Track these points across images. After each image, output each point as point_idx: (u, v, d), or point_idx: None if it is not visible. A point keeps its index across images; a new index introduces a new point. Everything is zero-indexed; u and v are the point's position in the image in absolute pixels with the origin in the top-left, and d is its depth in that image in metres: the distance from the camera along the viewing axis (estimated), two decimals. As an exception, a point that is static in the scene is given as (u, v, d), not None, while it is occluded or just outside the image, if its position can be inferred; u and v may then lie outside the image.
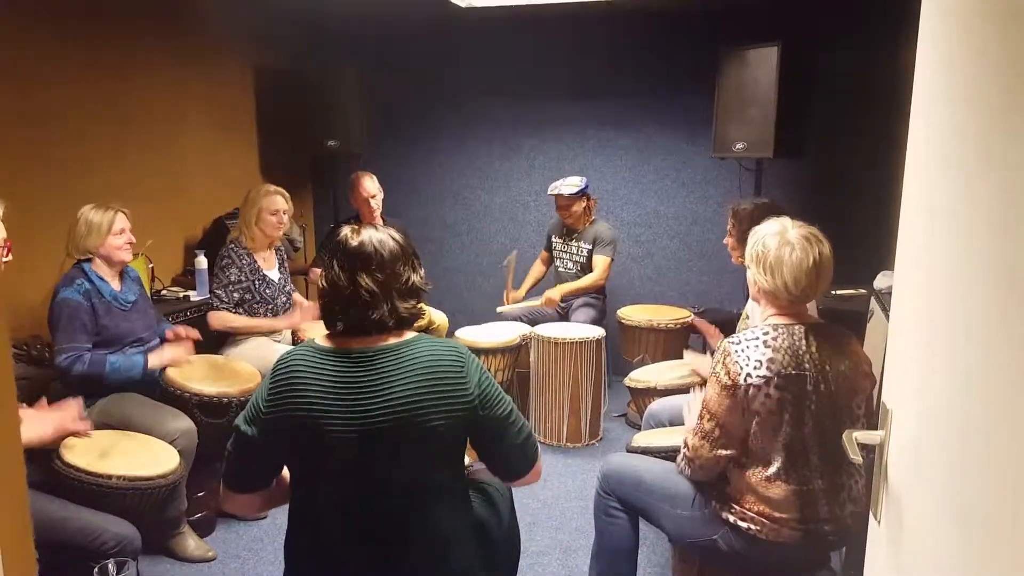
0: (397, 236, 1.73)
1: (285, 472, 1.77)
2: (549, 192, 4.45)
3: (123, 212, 3.00)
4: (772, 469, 1.91)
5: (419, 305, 1.74)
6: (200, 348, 3.27)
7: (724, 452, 1.97)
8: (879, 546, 1.28)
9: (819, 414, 1.89)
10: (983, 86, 0.95)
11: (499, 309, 4.54)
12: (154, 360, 2.97)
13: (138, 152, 3.92)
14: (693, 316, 4.18)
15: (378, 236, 1.70)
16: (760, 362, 1.89)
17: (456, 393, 1.62)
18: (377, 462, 1.61)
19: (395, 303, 1.67)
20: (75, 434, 2.51)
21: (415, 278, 1.73)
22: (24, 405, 2.46)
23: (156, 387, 3.01)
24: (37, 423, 2.36)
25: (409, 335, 1.70)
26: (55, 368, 2.80)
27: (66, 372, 2.76)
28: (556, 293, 4.40)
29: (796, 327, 1.95)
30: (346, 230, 1.73)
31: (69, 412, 2.49)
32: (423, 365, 1.62)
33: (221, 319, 3.43)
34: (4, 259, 2.27)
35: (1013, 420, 0.82)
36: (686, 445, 2.08)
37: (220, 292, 3.45)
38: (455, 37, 5.06)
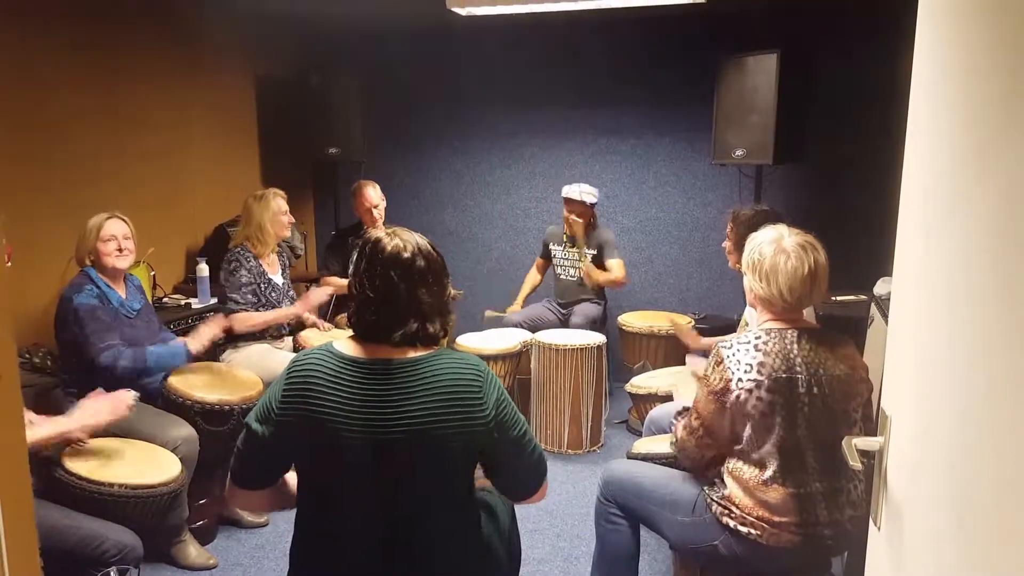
0: (433, 246, 1.73)
1: (292, 478, 1.77)
2: (565, 194, 4.41)
3: (120, 219, 2.99)
4: (768, 472, 1.92)
5: (452, 319, 1.75)
6: (202, 353, 3.28)
7: (708, 451, 2.06)
8: (879, 552, 1.28)
9: (813, 417, 1.90)
10: (979, 93, 0.96)
11: (505, 314, 4.57)
12: (194, 344, 3.02)
13: (140, 160, 3.93)
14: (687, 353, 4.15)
15: (423, 246, 1.69)
16: (751, 366, 1.91)
17: (473, 412, 1.60)
18: (388, 474, 1.61)
19: (444, 316, 1.69)
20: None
21: (452, 290, 1.75)
22: (27, 410, 2.46)
23: (158, 395, 3.02)
24: (91, 412, 2.39)
25: (430, 349, 1.67)
26: (98, 370, 2.77)
27: (111, 369, 2.77)
28: (595, 275, 4.35)
29: (789, 331, 1.97)
30: (390, 239, 1.67)
31: (121, 397, 2.47)
32: (442, 382, 1.60)
33: (243, 320, 3.44)
34: (7, 263, 2.28)
35: (1012, 426, 0.83)
36: (675, 433, 2.17)
37: (235, 295, 3.46)
38: (455, 45, 5.08)
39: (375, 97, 4.92)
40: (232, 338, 3.51)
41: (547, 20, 4.47)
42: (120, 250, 2.97)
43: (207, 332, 3.09)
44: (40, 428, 2.24)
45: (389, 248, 1.66)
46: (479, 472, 1.82)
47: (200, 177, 4.38)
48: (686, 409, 2.17)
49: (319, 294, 3.71)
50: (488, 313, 4.67)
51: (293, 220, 3.66)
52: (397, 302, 1.63)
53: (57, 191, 3.41)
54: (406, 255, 1.65)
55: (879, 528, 1.26)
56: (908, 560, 1.13)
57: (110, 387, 2.61)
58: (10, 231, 2.48)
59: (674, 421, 2.21)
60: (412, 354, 1.64)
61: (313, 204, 5.60)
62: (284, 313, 3.56)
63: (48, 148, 3.40)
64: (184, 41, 4.22)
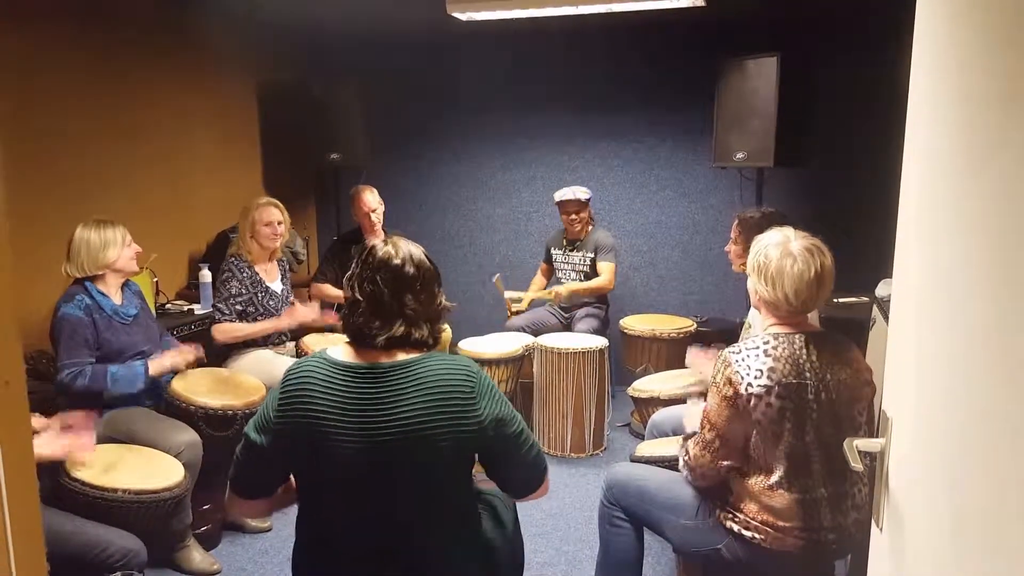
0: (428, 255, 1.76)
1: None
2: (559, 198, 4.47)
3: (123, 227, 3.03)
4: (774, 477, 1.92)
5: (443, 327, 1.78)
6: (205, 361, 3.29)
7: (725, 463, 1.99)
8: (881, 554, 1.28)
9: (820, 423, 1.90)
10: (977, 94, 0.97)
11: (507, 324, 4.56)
12: (155, 367, 2.97)
13: (142, 167, 3.94)
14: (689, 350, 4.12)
15: (416, 254, 1.72)
16: (761, 371, 1.89)
17: (466, 412, 1.62)
18: (385, 478, 1.62)
19: (433, 324, 1.71)
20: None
21: (444, 301, 1.77)
22: (36, 414, 2.46)
23: (161, 400, 3.02)
24: (49, 443, 2.35)
25: (423, 351, 1.70)
26: (57, 384, 2.81)
27: (68, 387, 2.78)
28: (564, 289, 4.42)
29: (796, 336, 1.96)
30: (384, 246, 1.72)
31: (84, 441, 2.40)
32: (433, 383, 1.62)
33: (224, 331, 3.45)
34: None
35: (1011, 427, 0.83)
36: (687, 453, 2.09)
37: (221, 305, 3.47)
38: (456, 50, 5.09)
39: (376, 102, 4.93)
40: (234, 344, 3.53)
41: (547, 24, 4.48)
42: (137, 253, 3.06)
43: (171, 359, 3.03)
44: None
45: (380, 254, 1.70)
46: (483, 475, 1.83)
47: (202, 183, 4.39)
48: (693, 434, 2.14)
49: (306, 312, 3.65)
50: (496, 279, 4.64)
51: (279, 232, 3.58)
52: (382, 305, 1.66)
53: (60, 198, 3.42)
54: (395, 261, 1.69)
55: (881, 530, 1.27)
56: (910, 561, 1.13)
57: (76, 401, 2.65)
58: (14, 238, 2.48)
59: (682, 443, 2.17)
60: (402, 357, 1.66)
61: (315, 210, 5.61)
62: (268, 326, 3.54)
63: (51, 155, 3.41)
64: (186, 48, 4.24)
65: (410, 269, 1.69)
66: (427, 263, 1.73)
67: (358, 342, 1.69)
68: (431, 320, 1.71)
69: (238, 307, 3.48)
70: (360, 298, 1.68)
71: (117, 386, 2.86)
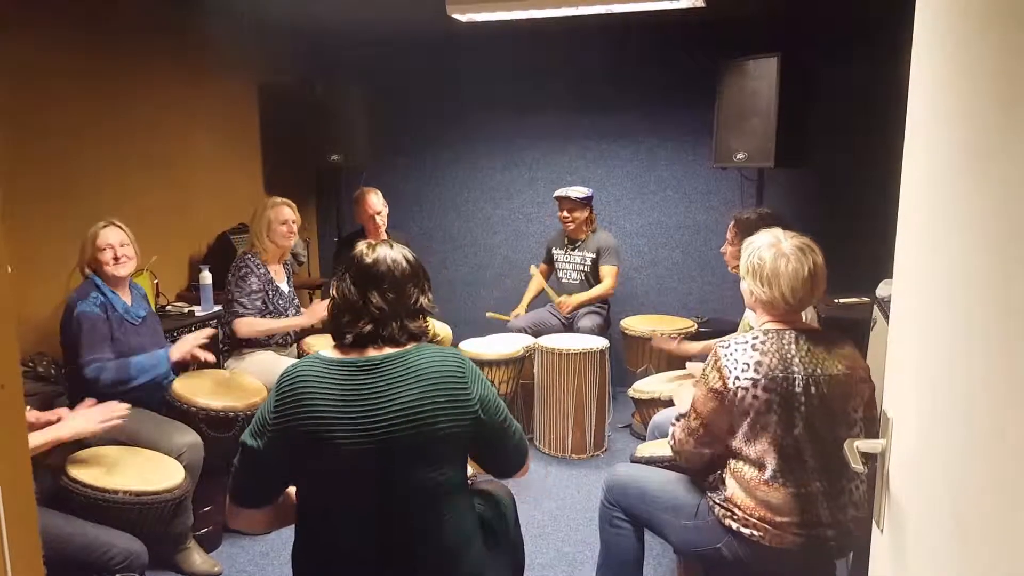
0: (410, 256, 1.79)
1: (291, 490, 1.78)
2: (556, 195, 4.48)
3: (117, 227, 2.98)
4: (768, 472, 1.93)
5: (426, 323, 1.80)
6: (207, 364, 3.28)
7: (707, 451, 2.06)
8: (882, 554, 1.28)
9: (810, 416, 1.91)
10: (976, 95, 0.96)
11: (509, 319, 4.57)
12: (176, 352, 2.99)
13: (143, 168, 3.94)
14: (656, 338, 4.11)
15: (392, 255, 1.76)
16: (748, 364, 1.92)
17: (460, 398, 1.67)
18: (385, 469, 1.63)
19: (403, 321, 1.73)
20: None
21: (423, 300, 1.79)
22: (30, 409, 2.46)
23: (163, 402, 3.02)
24: (83, 419, 2.36)
25: (411, 344, 1.74)
26: (83, 381, 2.80)
27: (94, 383, 2.78)
28: (572, 300, 4.43)
29: (787, 332, 1.99)
30: (362, 246, 1.78)
31: (113, 407, 2.45)
32: (427, 372, 1.66)
33: (248, 324, 3.45)
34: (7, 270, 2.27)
35: (1013, 428, 0.83)
36: (672, 436, 2.15)
37: (244, 300, 3.46)
38: (457, 51, 5.09)
39: (377, 104, 4.93)
40: (237, 345, 3.53)
41: (548, 25, 4.48)
42: (116, 258, 2.95)
43: (191, 338, 3.07)
44: (34, 435, 2.24)
45: (355, 252, 1.77)
46: (483, 476, 1.83)
47: (203, 185, 4.40)
48: (684, 416, 2.16)
49: (323, 308, 3.67)
50: (489, 315, 4.67)
51: (294, 231, 3.63)
52: (350, 302, 1.72)
53: (60, 200, 3.43)
54: (366, 260, 1.74)
55: (882, 530, 1.26)
56: (911, 562, 1.13)
57: (101, 397, 2.62)
58: (14, 239, 2.48)
59: (673, 423, 2.21)
60: (395, 349, 1.70)
61: (316, 211, 5.62)
62: (290, 323, 3.57)
63: (52, 156, 3.41)
64: (187, 50, 4.24)
65: (380, 268, 1.73)
66: (403, 264, 1.76)
67: (336, 339, 1.74)
68: (403, 317, 1.73)
69: (258, 302, 3.49)
70: (335, 295, 1.75)
71: (142, 375, 2.89)
